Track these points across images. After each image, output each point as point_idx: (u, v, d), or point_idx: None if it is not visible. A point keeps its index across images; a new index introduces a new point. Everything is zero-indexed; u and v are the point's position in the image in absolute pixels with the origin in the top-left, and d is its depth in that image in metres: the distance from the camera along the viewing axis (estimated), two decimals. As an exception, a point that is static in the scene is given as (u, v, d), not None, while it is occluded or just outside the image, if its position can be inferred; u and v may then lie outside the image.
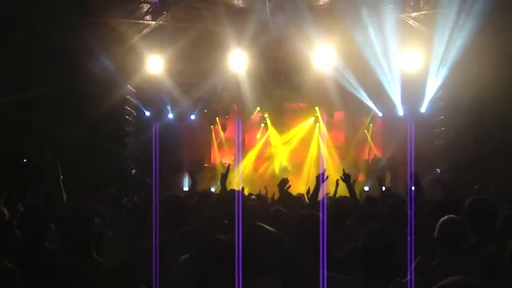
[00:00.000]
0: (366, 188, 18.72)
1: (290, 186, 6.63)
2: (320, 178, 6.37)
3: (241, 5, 15.50)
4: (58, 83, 13.71)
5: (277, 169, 20.66)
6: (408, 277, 3.35)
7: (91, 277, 3.55)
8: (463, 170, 14.50)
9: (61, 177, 5.51)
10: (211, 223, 4.53)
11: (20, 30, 12.69)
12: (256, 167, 21.44)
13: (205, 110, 20.64)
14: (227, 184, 6.61)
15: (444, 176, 16.39)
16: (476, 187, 7.90)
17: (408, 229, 4.03)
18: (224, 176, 6.58)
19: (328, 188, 8.57)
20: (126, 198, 10.18)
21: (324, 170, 6.49)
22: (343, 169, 7.15)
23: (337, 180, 7.67)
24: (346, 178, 6.83)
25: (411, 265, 3.58)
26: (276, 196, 8.66)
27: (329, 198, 7.98)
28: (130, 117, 18.98)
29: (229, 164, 7.09)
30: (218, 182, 6.88)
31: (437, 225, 4.17)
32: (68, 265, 3.67)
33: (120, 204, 7.87)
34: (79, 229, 3.84)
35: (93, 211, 4.09)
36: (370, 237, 3.71)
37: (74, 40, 13.89)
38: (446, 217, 4.20)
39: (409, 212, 4.52)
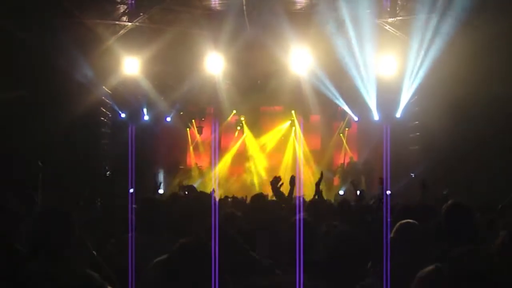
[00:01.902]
0: (341, 192, 18.81)
1: (282, 183, 6.52)
2: (292, 181, 6.36)
3: (218, 8, 15.48)
4: (31, 85, 13.56)
5: (255, 180, 20.64)
6: (384, 278, 3.37)
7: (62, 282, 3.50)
8: (438, 174, 14.64)
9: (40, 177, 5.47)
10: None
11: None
12: (231, 170, 21.44)
13: (181, 112, 20.58)
14: (202, 188, 6.48)
15: (418, 181, 16.57)
16: (444, 192, 7.93)
17: (384, 231, 4.05)
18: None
19: (304, 190, 8.56)
20: (99, 199, 10.12)
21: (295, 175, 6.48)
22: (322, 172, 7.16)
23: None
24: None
25: (387, 267, 3.60)
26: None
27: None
28: (105, 118, 18.83)
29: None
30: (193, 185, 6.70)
31: (395, 228, 4.23)
32: (39, 269, 3.61)
33: (92, 207, 7.82)
34: (55, 233, 3.77)
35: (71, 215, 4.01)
36: (337, 240, 3.72)
37: (48, 40, 13.75)
38: (404, 221, 4.26)
39: (384, 214, 4.55)
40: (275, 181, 6.53)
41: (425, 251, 4.10)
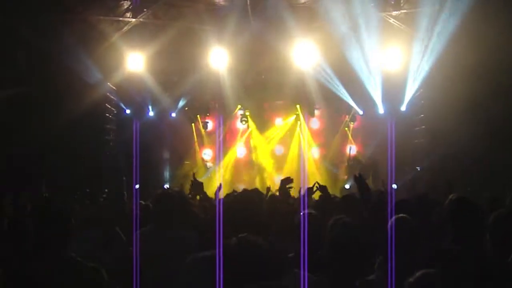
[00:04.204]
0: (347, 186, 18.77)
1: (292, 187, 6.37)
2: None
3: (221, 2, 15.45)
4: (36, 82, 13.59)
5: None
6: (389, 275, 3.36)
7: (66, 276, 3.50)
8: (442, 168, 14.62)
9: None
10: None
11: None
12: (237, 165, 21.44)
13: (186, 108, 20.56)
14: (207, 182, 6.29)
15: (423, 174, 16.55)
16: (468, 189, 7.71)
17: (388, 227, 4.01)
18: (196, 186, 5.86)
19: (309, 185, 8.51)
20: (104, 196, 10.11)
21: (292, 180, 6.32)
22: (317, 182, 6.98)
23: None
24: (322, 189, 6.75)
25: (391, 262, 3.58)
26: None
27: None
28: (110, 115, 18.84)
29: (194, 173, 6.59)
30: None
31: (389, 224, 4.15)
32: (41, 264, 3.61)
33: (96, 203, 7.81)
34: (56, 227, 3.78)
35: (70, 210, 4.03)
36: (338, 234, 3.70)
37: (52, 37, 13.76)
38: (396, 216, 4.18)
39: (389, 209, 4.50)
40: (286, 181, 6.35)
41: (422, 247, 4.04)
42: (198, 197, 6.84)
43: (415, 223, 4.19)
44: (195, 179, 5.77)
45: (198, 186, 5.64)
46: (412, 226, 4.14)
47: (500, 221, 4.09)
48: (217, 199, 4.52)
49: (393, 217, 4.13)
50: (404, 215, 4.21)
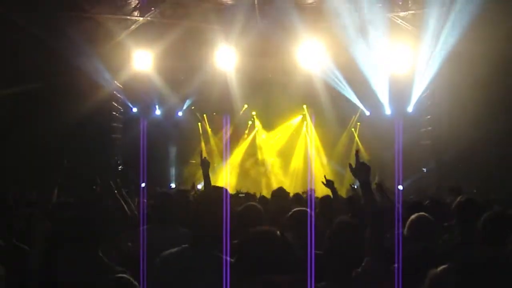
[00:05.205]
0: (355, 186, 18.69)
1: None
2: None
3: (229, 2, 15.45)
4: (43, 79, 13.63)
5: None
6: (396, 274, 3.35)
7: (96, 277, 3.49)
8: (448, 169, 14.60)
9: None
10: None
11: (3, 25, 12.60)
12: (243, 165, 21.44)
13: (193, 107, 20.59)
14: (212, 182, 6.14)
15: (430, 176, 16.52)
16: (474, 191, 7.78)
17: (396, 225, 4.03)
18: (205, 164, 5.77)
19: (316, 186, 8.53)
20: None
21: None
22: (324, 176, 7.07)
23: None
24: (328, 184, 6.82)
25: (399, 262, 3.57)
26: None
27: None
28: (117, 113, 18.88)
29: (205, 157, 6.42)
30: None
31: (407, 223, 4.24)
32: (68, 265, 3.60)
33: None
34: (85, 228, 3.76)
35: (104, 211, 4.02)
36: (337, 230, 3.71)
37: (60, 35, 13.79)
38: (416, 214, 4.26)
39: (396, 208, 4.52)
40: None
41: (436, 246, 4.07)
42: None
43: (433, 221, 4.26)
44: (204, 158, 5.69)
45: (206, 165, 5.58)
46: (432, 226, 4.21)
47: (489, 222, 4.14)
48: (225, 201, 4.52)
49: (414, 215, 4.22)
50: (425, 213, 4.28)
